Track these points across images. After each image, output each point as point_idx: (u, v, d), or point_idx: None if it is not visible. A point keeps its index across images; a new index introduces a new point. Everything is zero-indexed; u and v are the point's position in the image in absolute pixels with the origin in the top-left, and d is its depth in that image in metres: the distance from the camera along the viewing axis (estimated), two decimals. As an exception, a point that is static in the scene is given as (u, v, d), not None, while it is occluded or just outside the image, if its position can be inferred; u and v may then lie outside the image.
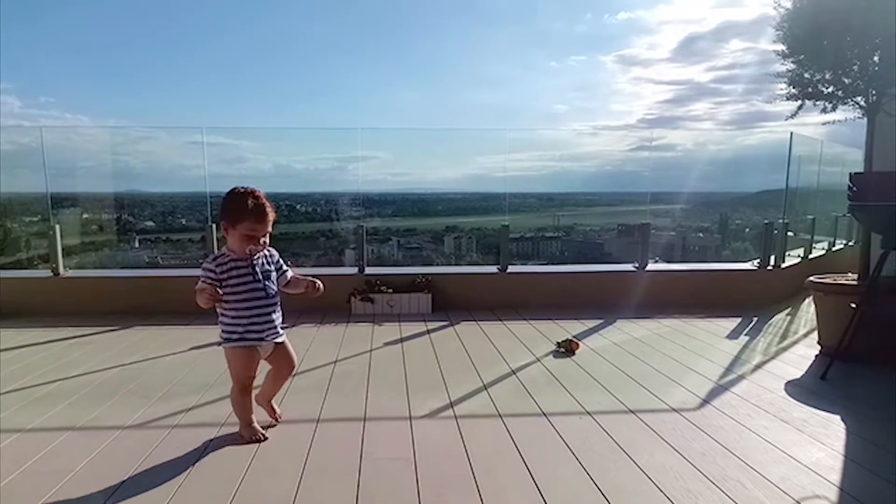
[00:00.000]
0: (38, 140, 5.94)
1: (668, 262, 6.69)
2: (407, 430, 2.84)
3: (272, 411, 2.93)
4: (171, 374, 3.70)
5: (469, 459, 2.52)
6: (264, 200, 2.62)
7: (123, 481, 2.32)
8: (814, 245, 7.29)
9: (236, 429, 2.78)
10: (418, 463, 2.49)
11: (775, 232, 6.15)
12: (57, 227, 5.68)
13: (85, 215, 8.30)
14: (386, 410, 3.11)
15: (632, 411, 3.09)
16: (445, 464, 2.49)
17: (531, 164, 8.67)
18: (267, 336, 2.72)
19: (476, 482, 2.31)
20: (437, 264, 8.24)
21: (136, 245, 8.75)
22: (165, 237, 8.88)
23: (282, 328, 2.82)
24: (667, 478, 2.35)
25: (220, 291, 2.55)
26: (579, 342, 4.32)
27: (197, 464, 2.48)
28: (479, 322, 5.21)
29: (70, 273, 5.77)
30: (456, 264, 8.68)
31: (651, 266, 6.07)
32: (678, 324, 5.12)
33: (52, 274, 5.67)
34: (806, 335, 4.73)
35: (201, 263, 2.69)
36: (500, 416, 3.03)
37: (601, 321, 5.23)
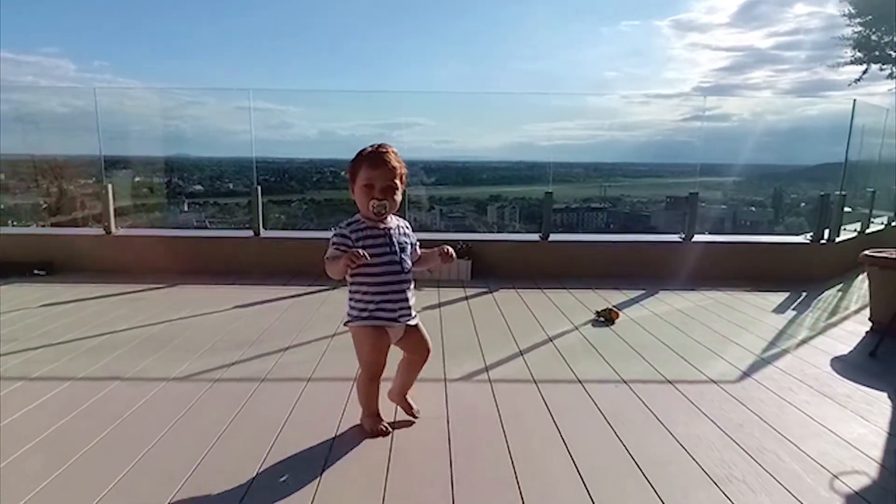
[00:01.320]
0: (92, 103, 6.10)
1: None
2: (442, 391, 2.87)
3: (409, 407, 2.59)
4: (214, 331, 3.80)
5: (502, 422, 2.53)
6: (387, 149, 2.32)
7: (166, 431, 2.41)
8: (872, 220, 6.99)
9: (275, 383, 2.85)
10: (451, 423, 2.52)
11: (831, 205, 5.91)
12: (110, 186, 5.86)
13: (137, 178, 8.54)
14: (421, 372, 3.13)
15: (669, 381, 3.05)
16: (478, 425, 2.51)
17: (578, 132, 8.53)
18: (400, 317, 2.39)
19: (507, 444, 2.33)
20: (480, 231, 8.20)
21: (186, 208, 8.98)
22: (213, 201, 9.08)
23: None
24: (701, 447, 2.32)
25: (363, 253, 2.16)
26: (619, 312, 4.27)
27: (237, 416, 2.55)
28: (519, 290, 5.19)
29: (121, 231, 5.96)
30: (500, 231, 8.63)
31: (697, 237, 5.92)
32: (723, 296, 5.01)
33: (104, 232, 5.86)
34: (858, 311, 4.57)
35: (333, 229, 2.36)
36: (534, 381, 3.03)
37: (643, 292, 5.16)
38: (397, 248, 2.36)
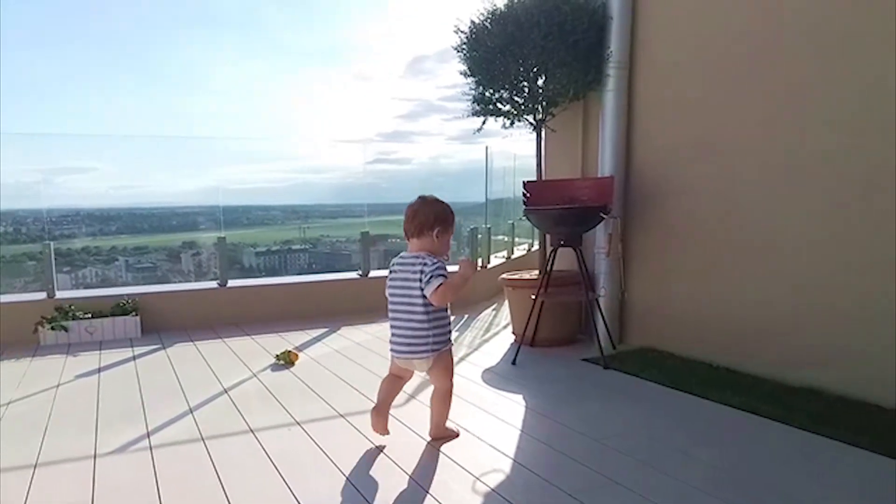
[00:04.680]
0: None
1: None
2: (89, 470, 2.53)
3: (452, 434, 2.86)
4: None
5: (158, 491, 2.32)
6: None
7: None
8: (516, 247, 8.18)
9: None
10: (97, 505, 2.23)
11: (479, 236, 6.80)
12: None
13: None
14: (65, 452, 2.73)
15: (342, 415, 3.13)
16: (127, 501, 2.26)
17: (273, 175, 8.49)
18: None
19: (163, 515, 2.14)
20: (176, 282, 7.54)
21: None
22: None
23: None
24: (362, 474, 2.42)
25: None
26: (298, 353, 4.28)
27: None
28: (196, 342, 4.89)
29: None
30: (196, 280, 8.11)
31: (374, 272, 6.27)
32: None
33: None
34: (506, 327, 5.27)
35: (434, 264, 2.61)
36: (202, 439, 2.85)
37: (326, 329, 5.26)
38: None
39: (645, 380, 3.63)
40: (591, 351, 4.22)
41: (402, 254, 2.74)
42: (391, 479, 2.39)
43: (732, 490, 2.25)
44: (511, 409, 3.21)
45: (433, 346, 2.64)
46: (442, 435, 2.80)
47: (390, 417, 2.80)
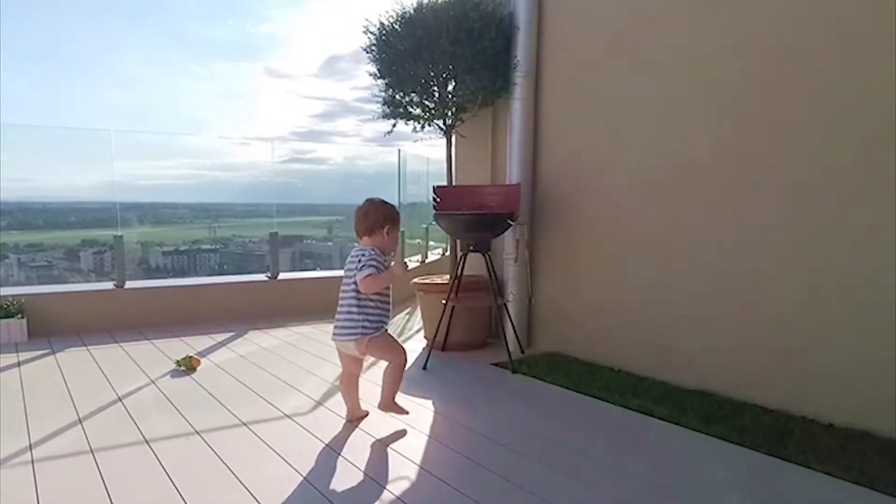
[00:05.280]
0: None
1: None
2: (-41, 488, 2.33)
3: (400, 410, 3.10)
4: None
5: (40, 510, 2.17)
6: None
7: None
8: (430, 251, 8.21)
9: None
10: (-33, 527, 2.06)
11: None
12: None
13: None
14: (-67, 469, 2.51)
15: (245, 424, 3.04)
16: (5, 521, 2.11)
17: (179, 171, 8.12)
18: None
19: (43, 535, 2.00)
20: (75, 282, 7.07)
21: None
22: None
23: None
24: (268, 487, 2.35)
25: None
26: (200, 359, 4.12)
27: None
28: (90, 346, 4.62)
29: None
30: (97, 281, 7.67)
31: (283, 275, 6.13)
32: (308, 330, 5.27)
33: None
34: (419, 331, 5.28)
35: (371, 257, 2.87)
36: (91, 451, 2.69)
37: (233, 333, 5.10)
38: None
39: (550, 384, 3.73)
40: (500, 355, 4.28)
41: (355, 247, 3.02)
42: (295, 489, 2.34)
43: (631, 492, 2.35)
44: (420, 414, 3.21)
45: (362, 330, 2.90)
46: (389, 409, 3.07)
47: (291, 423, 2.75)
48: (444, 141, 4.68)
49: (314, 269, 7.82)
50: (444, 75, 4.35)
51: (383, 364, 3.11)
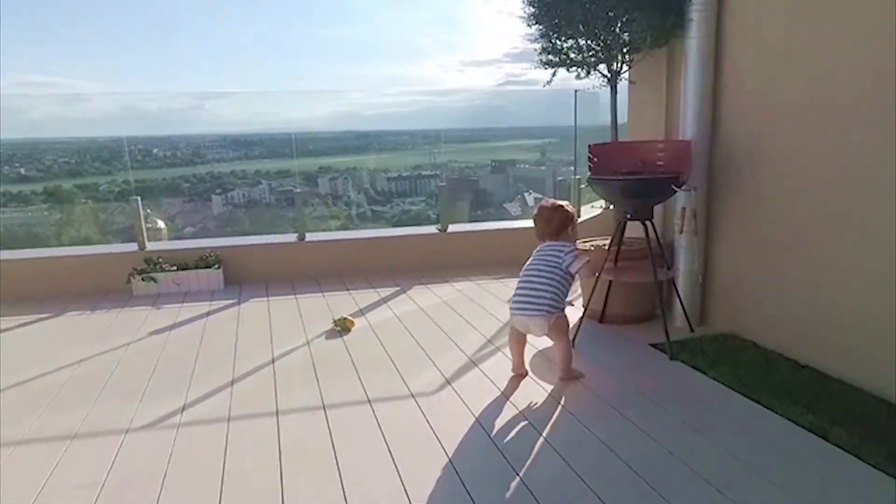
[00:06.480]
0: None
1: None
2: (113, 448, 2.65)
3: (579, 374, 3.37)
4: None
5: (164, 478, 2.39)
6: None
7: None
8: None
9: None
10: (106, 490, 2.33)
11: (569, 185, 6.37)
12: None
13: None
14: (101, 424, 2.89)
15: (369, 401, 3.07)
16: (134, 490, 2.34)
17: (400, 99, 8.50)
18: None
19: (155, 511, 2.20)
20: (312, 205, 7.83)
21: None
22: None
23: None
24: (372, 476, 2.34)
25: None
26: (354, 320, 4.26)
27: None
28: (271, 298, 5.04)
29: None
30: (332, 206, 8.52)
31: (453, 228, 6.11)
32: (471, 288, 5.19)
33: None
34: (579, 296, 4.92)
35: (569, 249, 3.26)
36: (228, 419, 2.91)
37: (398, 288, 5.23)
38: None
39: (711, 379, 3.25)
40: (663, 333, 3.81)
41: (545, 243, 3.33)
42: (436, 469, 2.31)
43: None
44: (541, 406, 2.98)
45: (557, 305, 3.18)
46: (568, 377, 3.28)
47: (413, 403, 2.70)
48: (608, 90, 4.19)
49: (527, 193, 8.02)
50: (610, 13, 3.83)
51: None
